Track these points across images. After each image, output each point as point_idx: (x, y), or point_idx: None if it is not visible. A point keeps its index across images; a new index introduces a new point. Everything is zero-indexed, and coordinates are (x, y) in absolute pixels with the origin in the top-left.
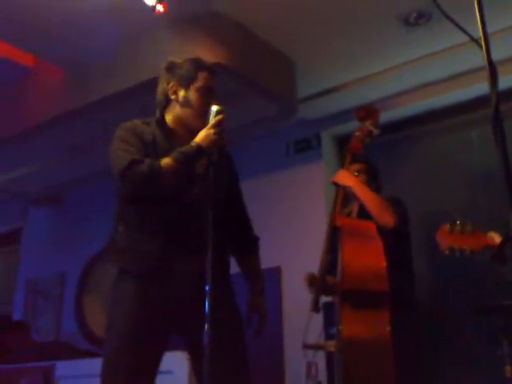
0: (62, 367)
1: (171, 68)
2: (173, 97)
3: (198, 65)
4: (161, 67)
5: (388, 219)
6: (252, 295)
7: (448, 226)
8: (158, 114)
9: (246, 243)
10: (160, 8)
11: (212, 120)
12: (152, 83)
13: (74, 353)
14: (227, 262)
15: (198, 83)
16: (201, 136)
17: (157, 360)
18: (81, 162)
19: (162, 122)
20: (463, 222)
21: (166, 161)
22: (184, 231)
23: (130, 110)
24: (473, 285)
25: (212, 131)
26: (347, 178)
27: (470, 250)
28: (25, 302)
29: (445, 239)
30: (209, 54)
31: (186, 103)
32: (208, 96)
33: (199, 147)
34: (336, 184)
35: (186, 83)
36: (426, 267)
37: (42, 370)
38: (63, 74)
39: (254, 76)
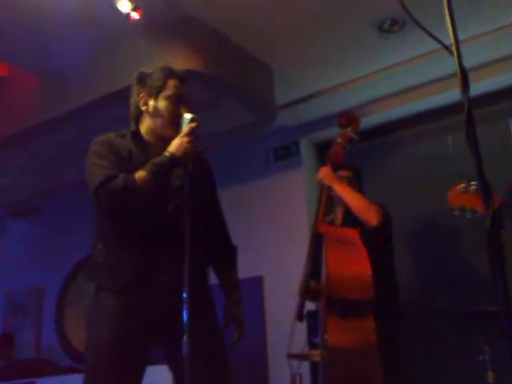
0: None
1: (141, 79)
2: (143, 108)
3: (167, 73)
4: (133, 77)
5: (372, 216)
6: (229, 304)
7: (463, 185)
8: (132, 127)
9: (223, 252)
10: (135, 15)
11: (185, 128)
12: (127, 91)
13: (54, 369)
14: (206, 273)
15: (167, 91)
16: (174, 145)
17: (138, 374)
18: (59, 171)
19: (136, 134)
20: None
21: (139, 174)
22: (161, 244)
23: (106, 118)
24: (457, 288)
25: (186, 139)
26: (330, 178)
27: (482, 211)
28: (4, 317)
29: (457, 199)
30: (184, 61)
31: (155, 113)
32: (178, 103)
33: (173, 157)
34: (320, 183)
35: (156, 92)
36: (407, 272)
37: None
38: (38, 83)
39: (231, 83)
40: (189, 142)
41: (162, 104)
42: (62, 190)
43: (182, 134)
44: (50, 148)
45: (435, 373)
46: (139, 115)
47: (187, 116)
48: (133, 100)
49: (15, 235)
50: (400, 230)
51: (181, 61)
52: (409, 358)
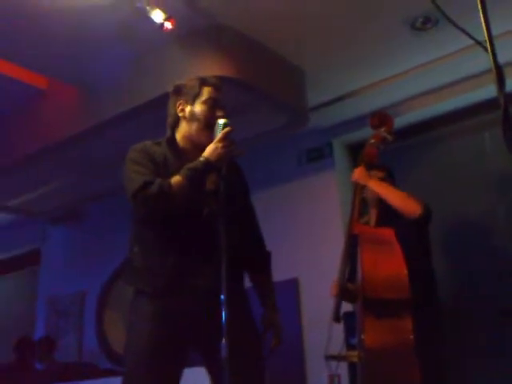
0: None
1: (177, 90)
2: (181, 114)
3: (201, 81)
4: (169, 88)
5: (415, 207)
6: (266, 312)
7: None
8: (168, 133)
9: (258, 259)
10: (168, 25)
11: (219, 133)
12: (163, 99)
13: (95, 372)
14: (241, 277)
15: (203, 97)
16: (209, 150)
17: (176, 378)
18: (98, 178)
19: (171, 141)
20: None
21: (175, 179)
22: (197, 248)
23: (143, 126)
24: (495, 288)
25: (220, 145)
26: (365, 177)
27: None
28: (46, 323)
29: None
30: (217, 68)
31: (192, 117)
32: (213, 107)
33: (207, 162)
34: (356, 183)
35: (192, 99)
36: (443, 272)
37: None
38: (76, 94)
39: (263, 87)
40: (223, 147)
41: (198, 108)
42: (101, 197)
43: (216, 140)
44: (89, 156)
45: (474, 372)
46: (176, 122)
47: (221, 121)
48: (170, 110)
49: (56, 241)
50: (437, 230)
51: (214, 68)
52: (447, 358)
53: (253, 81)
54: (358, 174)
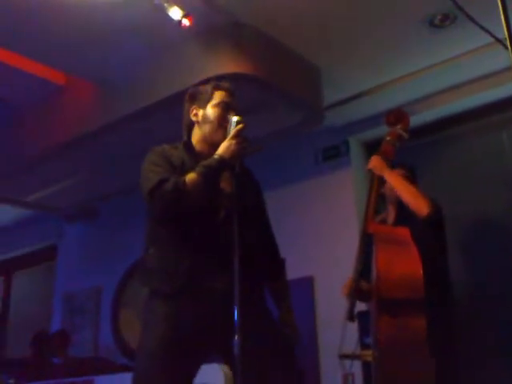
0: (101, 382)
1: (191, 96)
2: (194, 119)
3: (214, 86)
4: (187, 84)
5: (423, 206)
6: (281, 313)
7: None
8: (184, 137)
9: (272, 266)
10: (186, 22)
11: (232, 130)
12: (180, 96)
13: (111, 367)
14: (261, 282)
15: (215, 100)
16: (222, 147)
17: (188, 380)
18: (114, 175)
19: (188, 144)
20: None
21: (190, 176)
22: (213, 249)
23: (159, 123)
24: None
25: (233, 141)
26: (381, 167)
27: None
28: (62, 318)
29: None
30: (234, 65)
31: (205, 120)
32: (225, 110)
33: (221, 159)
34: (371, 173)
35: (205, 103)
36: (459, 272)
37: None
38: (94, 90)
39: (279, 85)
40: (236, 143)
41: (210, 111)
42: (116, 194)
43: (229, 137)
44: (105, 153)
45: (489, 372)
46: (191, 127)
47: (233, 118)
48: (185, 116)
49: (73, 238)
50: (453, 230)
51: (231, 65)
52: (460, 357)
53: (269, 78)
54: (374, 162)
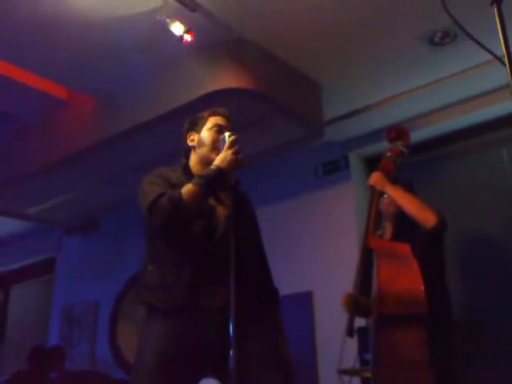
0: None
1: (189, 124)
2: (191, 144)
3: (210, 112)
4: (187, 99)
5: (430, 217)
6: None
7: None
8: (182, 161)
9: (266, 295)
10: (188, 37)
11: (226, 142)
12: (181, 110)
13: (108, 382)
14: (266, 301)
15: (210, 124)
16: (219, 159)
17: None
18: (114, 188)
19: (186, 167)
20: None
21: (186, 187)
22: (211, 266)
23: (161, 137)
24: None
25: (229, 152)
26: (382, 182)
27: None
28: (60, 331)
29: None
30: (236, 80)
31: (200, 143)
32: (218, 132)
33: (218, 168)
34: (373, 189)
35: (200, 128)
36: (459, 287)
37: None
38: (95, 104)
39: (280, 100)
40: (232, 153)
41: (205, 134)
42: (116, 207)
43: (224, 149)
44: (106, 167)
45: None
46: (188, 153)
47: (226, 134)
48: (183, 143)
49: (72, 251)
50: (453, 245)
51: (232, 80)
52: (462, 371)
53: (271, 93)
54: (376, 178)
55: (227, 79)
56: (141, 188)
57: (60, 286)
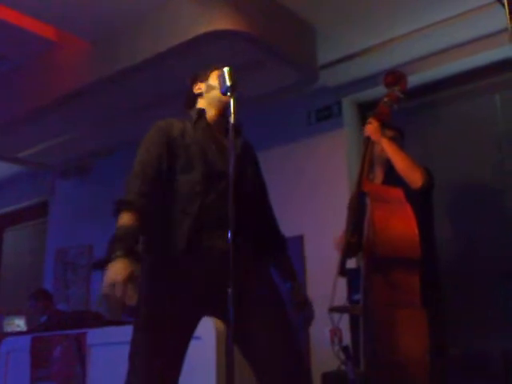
0: (93, 335)
1: (192, 79)
2: (198, 91)
3: (214, 67)
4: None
5: (417, 178)
6: (293, 291)
7: None
8: (194, 110)
9: (274, 245)
10: None
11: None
12: (176, 49)
13: (103, 321)
14: (262, 252)
15: (216, 73)
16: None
17: (185, 341)
18: (108, 131)
19: (201, 111)
20: None
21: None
22: (213, 213)
23: (154, 79)
24: (501, 249)
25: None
26: (379, 134)
27: None
28: (54, 273)
29: None
30: (229, 22)
31: (209, 88)
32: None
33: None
34: (368, 138)
35: (206, 78)
36: (448, 235)
37: (74, 337)
38: (88, 44)
39: (274, 43)
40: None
41: (212, 80)
42: (110, 150)
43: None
44: (99, 109)
45: (475, 334)
46: (193, 101)
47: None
48: (188, 94)
49: (65, 194)
50: (444, 193)
51: (225, 21)
52: (449, 325)
53: (264, 36)
54: (372, 129)
55: (220, 20)
56: (140, 144)
57: (54, 229)
